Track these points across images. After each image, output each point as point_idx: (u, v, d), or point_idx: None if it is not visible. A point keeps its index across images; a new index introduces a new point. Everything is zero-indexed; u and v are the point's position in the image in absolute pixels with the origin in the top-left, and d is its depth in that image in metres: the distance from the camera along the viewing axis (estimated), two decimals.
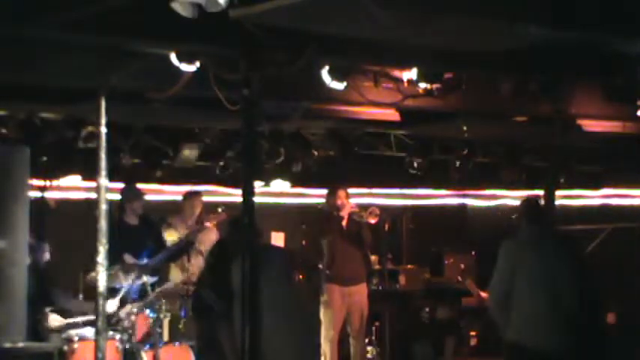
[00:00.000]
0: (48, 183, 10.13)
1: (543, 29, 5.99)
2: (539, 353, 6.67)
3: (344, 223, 9.77)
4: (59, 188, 10.38)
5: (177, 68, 7.03)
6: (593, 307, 6.86)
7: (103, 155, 5.59)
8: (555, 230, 7.57)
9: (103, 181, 5.57)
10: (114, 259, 7.75)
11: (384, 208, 9.94)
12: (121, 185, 9.27)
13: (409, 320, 11.38)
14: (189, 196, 10.19)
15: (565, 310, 6.68)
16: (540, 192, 12.81)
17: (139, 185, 9.57)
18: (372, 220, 9.71)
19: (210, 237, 9.79)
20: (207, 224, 9.57)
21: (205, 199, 10.47)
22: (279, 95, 7.96)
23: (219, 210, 9.63)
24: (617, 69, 7.85)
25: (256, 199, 7.13)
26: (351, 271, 9.73)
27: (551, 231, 7.18)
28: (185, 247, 9.28)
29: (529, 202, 7.28)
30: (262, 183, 10.71)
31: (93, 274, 6.45)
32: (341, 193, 9.81)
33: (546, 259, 6.79)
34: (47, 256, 8.35)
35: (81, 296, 8.27)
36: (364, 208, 9.99)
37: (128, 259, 8.53)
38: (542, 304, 6.68)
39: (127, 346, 7.76)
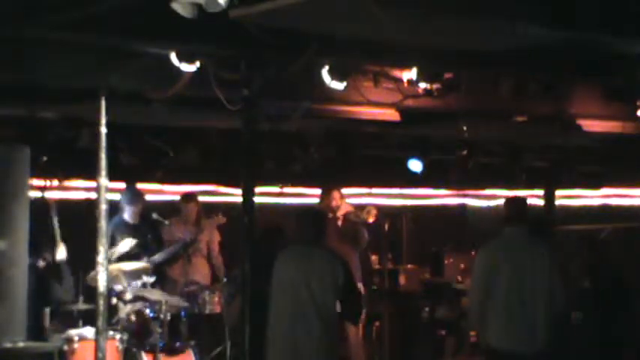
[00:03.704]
0: (48, 183, 10.13)
1: (543, 29, 5.99)
2: (514, 355, 6.66)
3: (339, 223, 9.72)
4: (59, 188, 10.37)
5: (178, 68, 7.03)
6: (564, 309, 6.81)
7: (103, 155, 5.57)
8: (537, 231, 7.37)
9: (103, 181, 5.56)
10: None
11: (384, 208, 9.90)
12: (121, 185, 9.26)
13: (409, 320, 11.37)
14: (185, 199, 10.08)
15: (538, 312, 6.63)
16: (540, 192, 12.85)
17: (139, 185, 9.56)
18: (371, 220, 9.68)
19: (212, 238, 9.81)
20: (208, 227, 9.57)
21: (205, 199, 10.45)
22: (279, 95, 7.96)
23: (219, 214, 9.63)
24: (617, 69, 7.85)
25: (256, 199, 7.15)
26: None
27: (532, 232, 6.96)
28: (184, 248, 9.28)
29: (513, 202, 7.16)
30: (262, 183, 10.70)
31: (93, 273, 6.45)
32: (335, 194, 9.77)
33: (521, 262, 6.72)
34: None
35: (81, 298, 8.25)
36: (361, 208, 9.97)
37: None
38: (515, 306, 6.65)
39: (127, 346, 7.76)
